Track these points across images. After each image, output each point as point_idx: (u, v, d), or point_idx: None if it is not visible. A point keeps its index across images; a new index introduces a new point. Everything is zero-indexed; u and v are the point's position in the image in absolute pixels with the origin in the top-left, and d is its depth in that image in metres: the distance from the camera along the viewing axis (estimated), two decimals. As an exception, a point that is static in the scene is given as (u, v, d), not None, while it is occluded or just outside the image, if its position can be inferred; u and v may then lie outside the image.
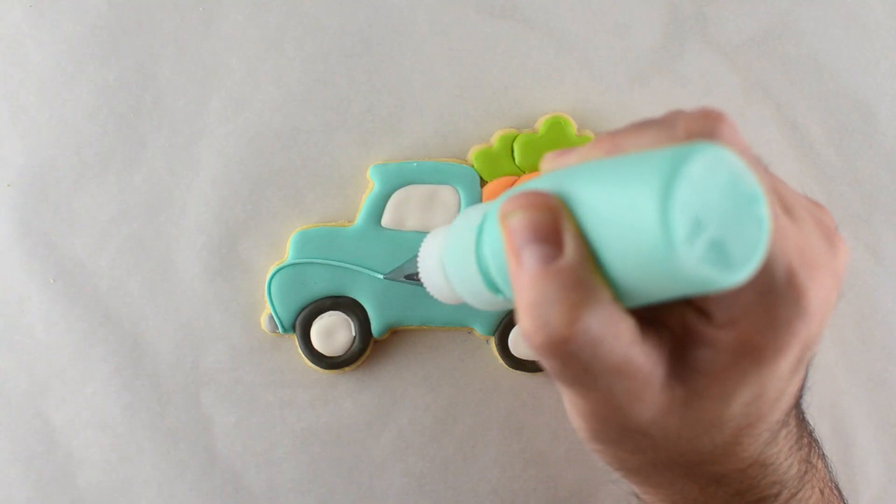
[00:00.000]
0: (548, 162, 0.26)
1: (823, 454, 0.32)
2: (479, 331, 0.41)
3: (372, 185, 0.41)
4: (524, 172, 0.41)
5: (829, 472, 0.32)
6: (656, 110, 0.42)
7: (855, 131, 0.43)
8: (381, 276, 0.40)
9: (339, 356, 0.41)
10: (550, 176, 0.24)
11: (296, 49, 0.42)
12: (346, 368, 0.41)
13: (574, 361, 0.22)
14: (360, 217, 0.41)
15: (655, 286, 0.22)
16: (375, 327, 0.41)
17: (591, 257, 0.22)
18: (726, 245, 0.20)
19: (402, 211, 0.41)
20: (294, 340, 0.42)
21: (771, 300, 0.22)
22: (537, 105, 0.42)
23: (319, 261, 0.41)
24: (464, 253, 0.27)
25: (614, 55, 0.42)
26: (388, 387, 0.42)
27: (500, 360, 0.42)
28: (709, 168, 0.20)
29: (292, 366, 0.42)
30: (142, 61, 0.42)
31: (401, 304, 0.41)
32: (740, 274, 0.21)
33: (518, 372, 0.42)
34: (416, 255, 0.31)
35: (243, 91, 0.42)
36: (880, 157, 0.43)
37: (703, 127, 0.23)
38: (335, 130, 0.42)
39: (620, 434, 0.25)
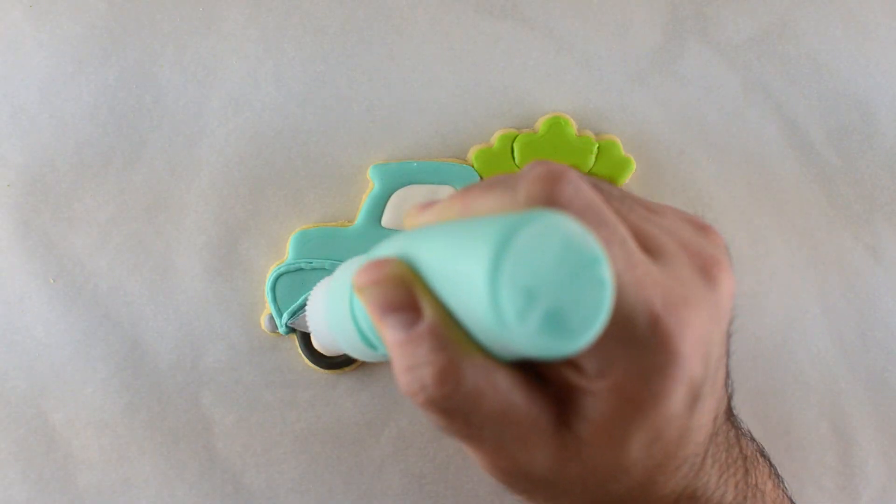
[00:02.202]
0: (409, 217, 0.26)
1: (776, 474, 0.31)
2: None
3: (372, 185, 0.41)
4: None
5: (783, 490, 0.31)
6: (656, 110, 0.42)
7: (855, 131, 0.43)
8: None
9: (339, 356, 0.41)
10: (404, 238, 0.24)
11: (296, 49, 0.42)
12: (346, 368, 0.41)
13: (457, 416, 0.23)
14: (360, 217, 0.41)
15: (504, 350, 0.22)
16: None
17: (449, 317, 0.22)
18: (564, 313, 0.20)
19: (402, 211, 0.41)
20: (294, 340, 0.42)
21: (637, 349, 0.22)
22: (537, 105, 0.42)
23: (319, 261, 0.41)
24: (341, 310, 0.27)
25: (614, 55, 0.42)
26: (388, 387, 0.42)
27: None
28: (540, 237, 0.20)
29: (292, 366, 0.42)
30: (142, 61, 0.42)
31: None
32: (581, 340, 0.20)
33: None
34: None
35: (243, 91, 0.42)
36: (880, 157, 0.43)
37: (541, 191, 0.22)
38: (335, 130, 0.42)
39: (529, 484, 0.25)
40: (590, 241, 0.20)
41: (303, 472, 0.42)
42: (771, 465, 0.31)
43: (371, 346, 0.26)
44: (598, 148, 0.41)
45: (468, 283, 0.21)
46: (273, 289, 0.41)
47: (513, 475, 0.24)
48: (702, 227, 0.26)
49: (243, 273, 0.42)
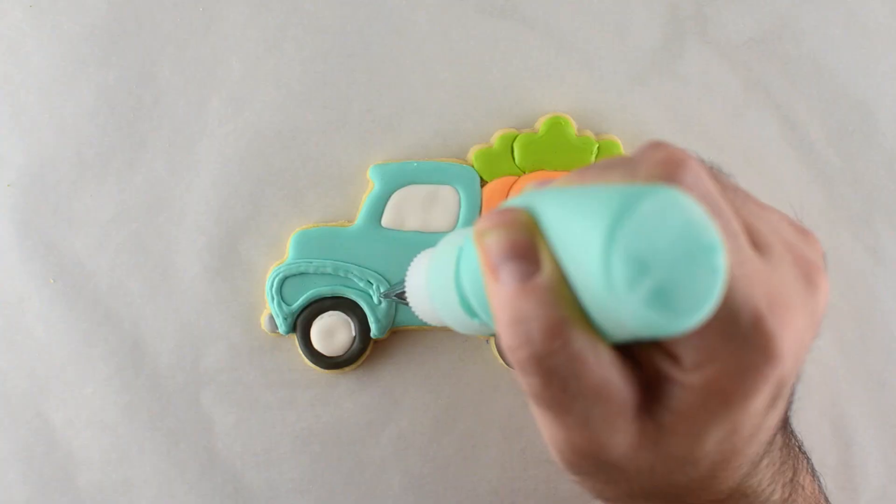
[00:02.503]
0: (529, 188, 0.26)
1: (812, 469, 0.31)
2: (479, 331, 0.41)
3: (372, 185, 0.41)
4: (524, 172, 0.41)
5: (820, 487, 0.32)
6: (656, 110, 0.42)
7: (855, 131, 0.43)
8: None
9: (339, 356, 0.41)
10: (526, 197, 0.24)
11: (296, 49, 0.42)
12: (346, 368, 0.41)
13: (555, 379, 0.22)
14: (360, 217, 0.41)
15: (610, 322, 0.22)
16: (375, 327, 0.41)
17: (564, 279, 0.22)
18: (674, 291, 0.20)
19: (402, 211, 0.41)
20: (294, 340, 0.42)
21: (737, 345, 0.22)
22: (537, 105, 0.42)
23: (319, 261, 0.41)
24: (444, 275, 0.27)
25: (614, 55, 0.42)
26: (388, 387, 0.42)
27: (500, 360, 0.42)
28: (660, 211, 0.20)
29: (292, 366, 0.42)
30: (142, 61, 0.42)
31: (401, 305, 0.41)
32: (687, 322, 0.20)
33: (518, 372, 0.42)
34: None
35: (243, 91, 0.42)
36: (880, 157, 0.43)
37: (662, 174, 0.22)
38: (335, 130, 0.42)
39: (596, 467, 0.25)
40: (709, 227, 0.20)
41: (303, 472, 0.42)
42: (809, 460, 0.31)
43: (471, 312, 0.26)
44: (598, 148, 0.41)
45: (584, 245, 0.21)
46: (273, 289, 0.41)
47: (584, 454, 0.24)
48: (803, 232, 0.26)
49: (243, 273, 0.42)
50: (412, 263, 0.31)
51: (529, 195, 0.24)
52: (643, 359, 0.23)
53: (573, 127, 0.41)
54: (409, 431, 0.42)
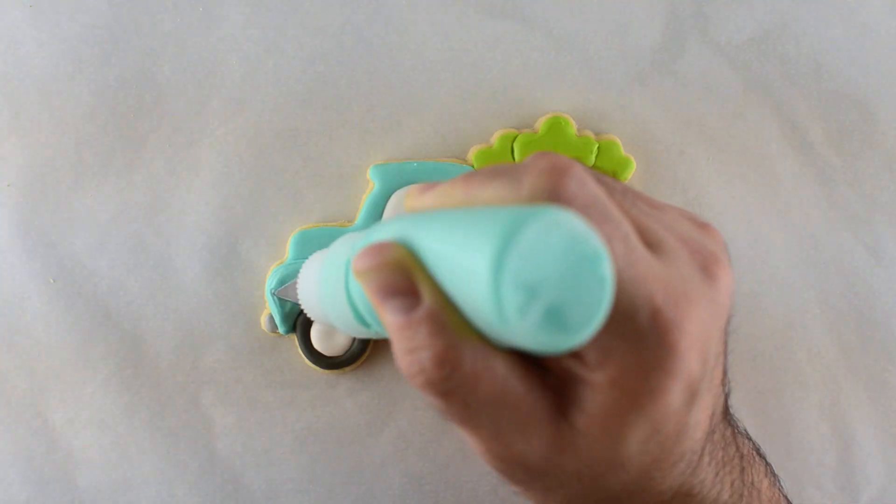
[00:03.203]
0: (410, 197, 0.26)
1: (771, 472, 0.31)
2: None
3: (372, 185, 0.41)
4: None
5: (778, 489, 0.31)
6: (656, 110, 0.42)
7: (855, 131, 0.43)
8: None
9: (339, 356, 0.41)
10: (404, 221, 0.24)
11: (296, 49, 0.42)
12: (346, 368, 0.41)
13: (455, 399, 0.23)
14: (360, 217, 0.41)
15: (503, 340, 0.22)
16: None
17: (448, 303, 0.23)
18: (564, 309, 0.20)
19: (401, 211, 0.41)
20: (294, 340, 0.42)
21: (636, 343, 0.22)
22: (537, 105, 0.42)
23: (319, 261, 0.41)
24: (335, 286, 0.27)
25: (614, 55, 0.42)
26: (388, 387, 0.42)
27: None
28: (544, 233, 0.20)
29: (292, 366, 0.42)
30: (142, 61, 0.42)
31: None
32: (578, 337, 0.20)
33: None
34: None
35: (243, 91, 0.42)
36: (880, 157, 0.43)
37: (545, 184, 0.22)
38: (335, 130, 0.42)
39: (525, 474, 0.25)
40: (592, 239, 0.20)
41: (303, 472, 0.42)
42: (767, 463, 0.31)
43: (364, 323, 0.26)
44: (598, 148, 0.41)
45: (470, 276, 0.21)
46: (273, 289, 0.41)
47: (508, 463, 0.25)
48: (702, 225, 0.26)
49: (243, 273, 0.42)
50: (304, 267, 0.31)
51: (406, 221, 0.24)
52: (550, 361, 0.24)
53: (573, 127, 0.41)
54: (409, 431, 0.42)
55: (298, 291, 0.31)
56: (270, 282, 0.41)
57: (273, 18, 0.42)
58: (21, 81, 0.41)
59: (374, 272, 0.24)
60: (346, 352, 0.41)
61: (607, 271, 0.21)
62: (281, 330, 0.41)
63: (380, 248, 0.24)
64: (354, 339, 0.41)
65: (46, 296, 0.41)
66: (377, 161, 0.41)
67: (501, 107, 0.42)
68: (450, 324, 0.22)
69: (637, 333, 0.22)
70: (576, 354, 0.23)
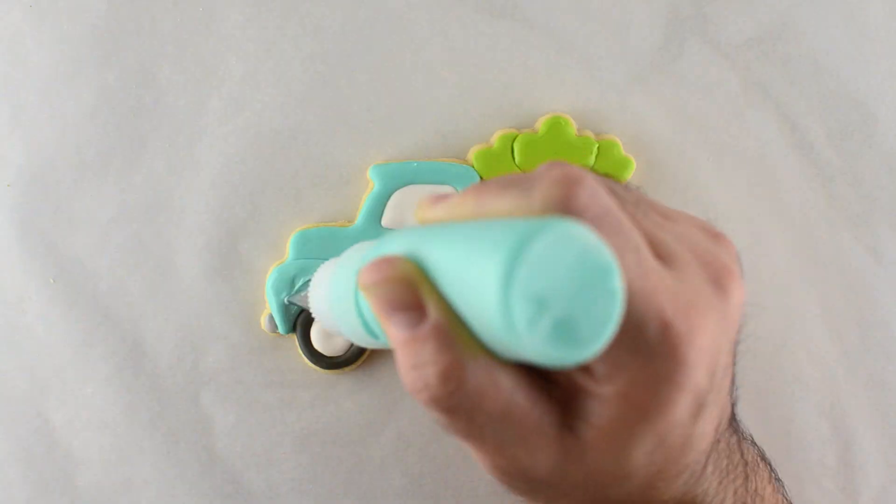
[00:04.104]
0: (421, 209, 0.26)
1: (776, 478, 0.31)
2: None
3: (372, 185, 0.41)
4: (524, 172, 0.41)
5: (782, 494, 0.31)
6: (656, 110, 0.42)
7: (855, 131, 0.43)
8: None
9: (339, 356, 0.41)
10: (413, 234, 0.24)
11: (296, 49, 0.42)
12: (346, 368, 0.41)
13: (459, 415, 0.23)
14: (360, 217, 0.41)
15: (511, 353, 0.22)
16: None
17: (455, 317, 0.22)
18: (574, 322, 0.20)
19: (402, 211, 0.41)
20: (294, 340, 0.42)
21: (645, 356, 0.22)
22: (537, 105, 0.42)
23: (320, 261, 0.41)
24: (345, 297, 0.27)
25: (614, 55, 0.42)
26: (388, 387, 0.42)
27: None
28: (555, 246, 0.20)
29: (292, 366, 0.42)
30: (142, 61, 0.42)
31: None
32: (588, 351, 0.20)
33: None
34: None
35: (243, 91, 0.42)
36: (880, 157, 0.43)
37: (557, 195, 0.22)
38: (335, 130, 0.42)
39: (530, 486, 0.25)
40: (603, 252, 0.20)
41: (303, 472, 0.42)
42: (771, 469, 0.31)
43: (373, 335, 0.26)
44: (598, 148, 0.41)
45: (478, 289, 0.21)
46: (273, 289, 0.41)
47: (513, 476, 0.24)
48: (715, 235, 0.26)
49: (243, 273, 0.42)
50: (315, 275, 0.31)
51: (415, 234, 0.24)
52: (557, 374, 0.24)
53: (573, 127, 0.41)
54: (409, 431, 0.42)
55: (310, 300, 0.31)
56: (270, 282, 0.41)
57: (273, 18, 0.42)
58: (21, 81, 0.41)
59: (380, 286, 0.23)
60: (346, 352, 0.41)
61: (618, 284, 0.20)
62: (281, 330, 0.41)
63: (386, 262, 0.24)
64: (354, 339, 0.41)
65: (46, 296, 0.41)
66: (377, 161, 0.41)
67: (501, 107, 0.42)
68: (455, 339, 0.22)
69: (646, 347, 0.22)
70: (583, 367, 0.23)
